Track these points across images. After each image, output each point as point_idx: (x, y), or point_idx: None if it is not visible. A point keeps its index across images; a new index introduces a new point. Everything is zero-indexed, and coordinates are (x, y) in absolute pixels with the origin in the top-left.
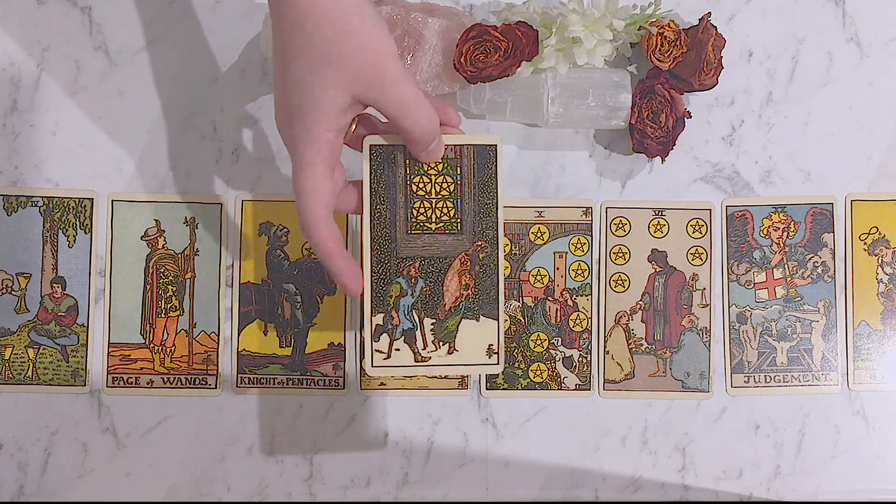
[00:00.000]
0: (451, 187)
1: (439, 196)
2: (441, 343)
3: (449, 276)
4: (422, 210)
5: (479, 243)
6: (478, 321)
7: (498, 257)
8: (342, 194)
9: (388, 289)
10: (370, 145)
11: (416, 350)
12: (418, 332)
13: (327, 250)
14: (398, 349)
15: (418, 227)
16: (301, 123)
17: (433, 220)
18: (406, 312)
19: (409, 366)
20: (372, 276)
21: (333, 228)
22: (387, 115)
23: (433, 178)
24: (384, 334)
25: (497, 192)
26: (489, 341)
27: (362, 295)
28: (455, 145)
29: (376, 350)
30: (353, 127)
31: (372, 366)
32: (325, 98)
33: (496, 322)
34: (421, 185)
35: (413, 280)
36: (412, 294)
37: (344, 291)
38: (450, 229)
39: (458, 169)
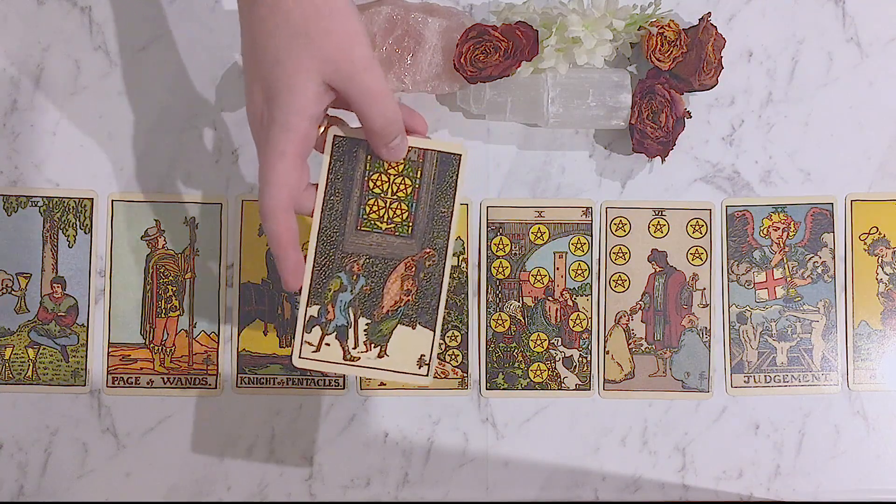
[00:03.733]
0: (409, 189)
1: (395, 196)
2: (372, 345)
3: (392, 279)
4: (375, 208)
5: (428, 250)
6: (413, 329)
7: (444, 268)
8: (303, 194)
9: (329, 282)
10: (334, 136)
11: (346, 348)
12: (351, 331)
13: (280, 242)
14: (328, 344)
15: (369, 224)
16: (277, 111)
17: (385, 219)
18: (342, 308)
19: (337, 363)
20: (314, 266)
21: (292, 222)
22: (353, 102)
23: (392, 177)
24: (317, 327)
25: (454, 203)
26: (421, 351)
27: (298, 291)
28: (420, 149)
29: (306, 341)
30: (322, 129)
31: (299, 356)
32: (298, 82)
33: (432, 333)
34: (378, 183)
35: (355, 277)
36: (351, 291)
37: (284, 285)
38: (400, 232)
39: (419, 172)
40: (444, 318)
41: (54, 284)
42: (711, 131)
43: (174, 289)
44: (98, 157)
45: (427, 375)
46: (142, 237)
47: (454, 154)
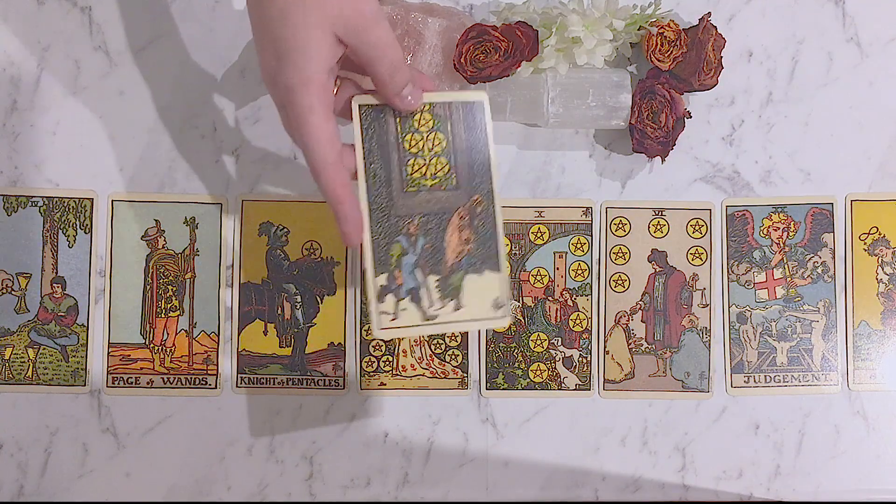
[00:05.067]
0: (444, 143)
1: (433, 152)
2: (447, 299)
3: (449, 232)
4: (416, 167)
5: (476, 197)
6: (481, 275)
7: (495, 210)
8: (343, 150)
9: (389, 249)
10: (359, 105)
11: (423, 308)
12: (423, 290)
13: (336, 196)
14: (404, 309)
15: (414, 184)
16: (292, 68)
17: (428, 176)
18: (409, 271)
19: (417, 325)
20: (372, 237)
21: (343, 174)
22: (362, 55)
23: (425, 134)
24: (389, 295)
25: (488, 147)
26: (494, 294)
27: (362, 247)
28: (443, 103)
29: (382, 312)
30: (336, 90)
31: (379, 329)
32: (310, 38)
33: (499, 274)
34: (413, 143)
35: (413, 238)
36: (413, 252)
37: (344, 240)
38: (446, 185)
39: (449, 125)
40: (506, 256)
41: (54, 284)
42: (711, 131)
43: (174, 289)
44: (98, 157)
45: (505, 317)
46: (142, 237)
47: (477, 101)
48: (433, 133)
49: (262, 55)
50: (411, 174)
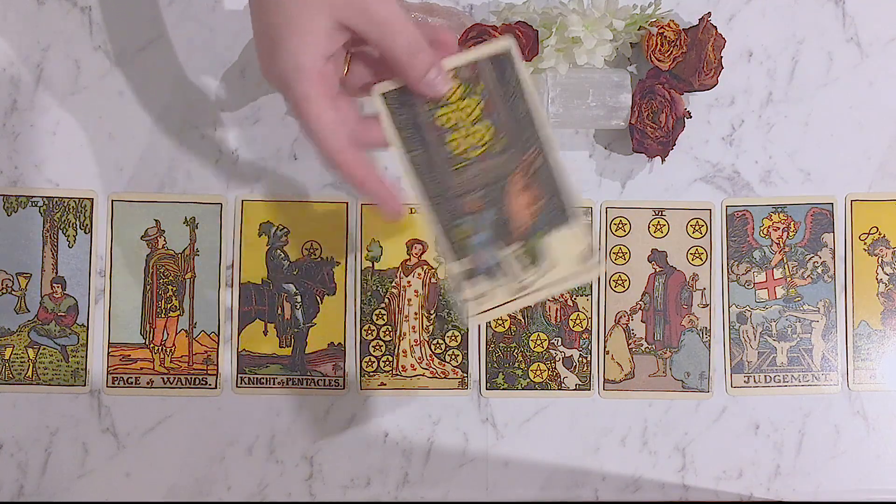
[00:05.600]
0: (480, 107)
1: (470, 120)
2: (532, 266)
3: (513, 196)
4: (458, 141)
5: (530, 152)
6: (559, 231)
7: (555, 158)
8: (363, 129)
9: (458, 233)
10: (381, 94)
11: (510, 282)
12: (506, 264)
13: (357, 180)
14: (492, 288)
15: (461, 160)
16: (286, 54)
17: (473, 147)
18: (486, 249)
19: (510, 301)
20: (436, 226)
21: (357, 156)
22: (371, 38)
23: (456, 104)
24: (472, 279)
25: (529, 96)
26: (579, 247)
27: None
28: (468, 63)
29: (472, 298)
30: (347, 67)
31: (478, 314)
32: (307, 23)
33: (577, 225)
34: (448, 117)
35: (479, 215)
36: (485, 228)
37: (385, 219)
38: (494, 150)
39: (479, 86)
40: (579, 203)
41: (54, 284)
42: (711, 131)
43: (174, 289)
44: (98, 157)
45: (595, 267)
46: (142, 237)
47: (503, 53)
48: (465, 100)
49: (258, 43)
50: (455, 151)
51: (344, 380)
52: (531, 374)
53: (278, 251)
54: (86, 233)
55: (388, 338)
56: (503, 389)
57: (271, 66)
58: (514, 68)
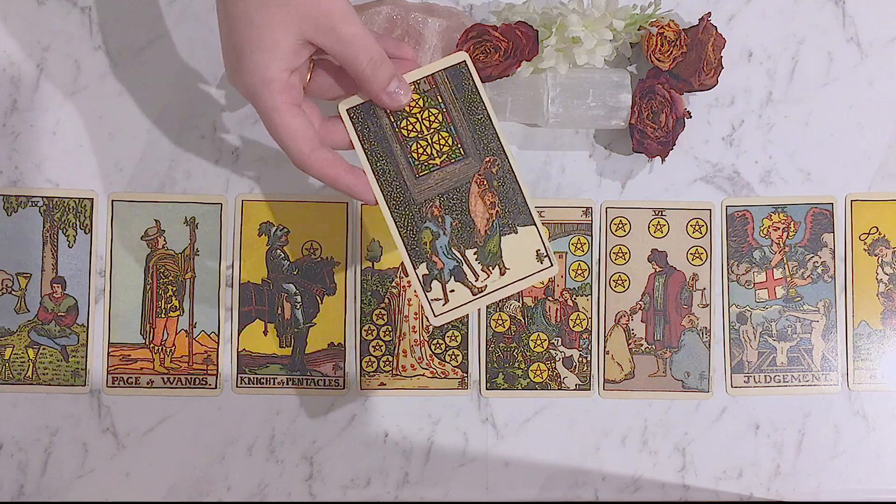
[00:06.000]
0: (440, 116)
1: (431, 130)
2: (490, 268)
3: (472, 202)
4: (420, 150)
5: (488, 159)
6: (516, 233)
7: (511, 165)
8: (326, 130)
9: (420, 237)
10: (346, 109)
11: (470, 284)
12: (465, 267)
13: (328, 179)
14: (453, 290)
15: (424, 167)
16: (253, 67)
17: (435, 155)
18: (446, 252)
19: (469, 302)
20: (399, 230)
21: (325, 156)
22: (336, 54)
23: (418, 115)
24: (434, 281)
25: (484, 105)
26: (535, 248)
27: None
28: (426, 77)
29: (433, 299)
30: (310, 75)
31: (435, 315)
32: (275, 40)
33: (534, 226)
34: (410, 127)
35: (440, 219)
36: (444, 233)
37: (363, 202)
38: (454, 157)
39: (438, 97)
40: (535, 207)
41: (54, 284)
42: (711, 131)
43: (174, 289)
44: (98, 157)
45: (552, 266)
46: (142, 237)
47: (458, 63)
48: (425, 111)
49: (226, 54)
50: (418, 158)
51: (344, 380)
52: (531, 374)
53: (278, 251)
54: (86, 233)
55: (388, 338)
56: (503, 389)
57: (238, 76)
58: (470, 80)
